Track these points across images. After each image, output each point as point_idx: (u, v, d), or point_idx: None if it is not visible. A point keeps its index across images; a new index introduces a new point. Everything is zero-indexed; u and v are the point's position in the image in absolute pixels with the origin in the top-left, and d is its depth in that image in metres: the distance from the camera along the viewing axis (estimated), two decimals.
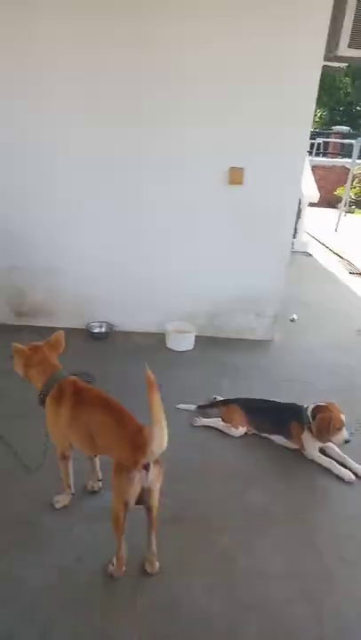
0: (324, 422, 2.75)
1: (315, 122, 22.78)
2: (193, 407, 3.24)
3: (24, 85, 3.67)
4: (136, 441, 1.82)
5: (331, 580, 2.09)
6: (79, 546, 2.17)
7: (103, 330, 4.28)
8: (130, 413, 2.01)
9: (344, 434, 2.74)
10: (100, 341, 4.21)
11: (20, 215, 4.05)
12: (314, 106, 3.82)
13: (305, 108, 3.77)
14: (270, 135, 3.83)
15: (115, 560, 2.02)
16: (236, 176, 3.94)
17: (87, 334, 4.25)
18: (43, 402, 2.23)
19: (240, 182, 3.96)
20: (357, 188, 13.87)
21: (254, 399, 3.26)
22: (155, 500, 1.93)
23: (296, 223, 8.10)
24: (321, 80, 3.73)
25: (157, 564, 2.06)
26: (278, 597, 2.00)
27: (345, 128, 19.09)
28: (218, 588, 2.02)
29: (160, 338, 4.23)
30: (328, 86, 19.68)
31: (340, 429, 2.74)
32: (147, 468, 1.82)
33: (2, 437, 2.84)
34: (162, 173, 3.94)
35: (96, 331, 4.26)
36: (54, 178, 3.94)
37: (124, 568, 2.03)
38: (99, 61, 3.60)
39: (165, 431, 1.74)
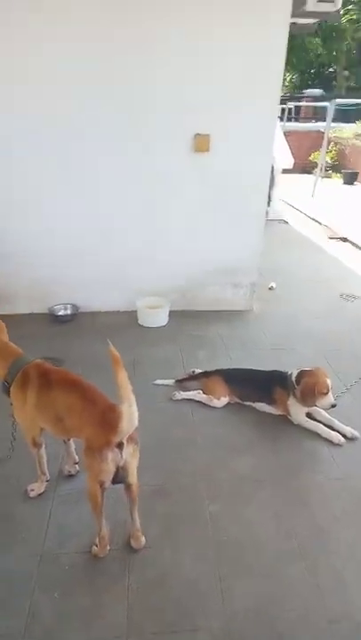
0: (308, 387, 2.82)
1: (285, 86, 22.86)
2: (171, 382, 3.28)
3: None
4: (107, 420, 1.84)
5: (325, 537, 2.18)
6: (59, 531, 2.20)
7: (68, 312, 4.26)
8: (99, 392, 2.04)
9: (330, 398, 2.82)
10: (66, 324, 4.19)
11: None
12: (283, 65, 3.80)
13: (273, 68, 3.76)
14: (237, 98, 3.82)
15: (97, 540, 2.05)
16: (201, 143, 3.95)
17: (51, 318, 4.22)
18: (8, 391, 2.23)
19: (206, 149, 3.98)
20: (333, 152, 14.05)
21: (235, 369, 3.32)
22: (133, 477, 1.97)
23: (270, 191, 8.22)
24: (289, 42, 3.74)
25: (143, 538, 2.11)
26: (272, 558, 2.08)
27: (317, 91, 19.25)
28: (208, 556, 2.08)
29: (131, 315, 4.25)
30: (297, 48, 19.78)
31: (325, 394, 2.81)
32: (120, 446, 1.85)
33: None
34: (122, 143, 3.89)
35: (60, 313, 4.24)
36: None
37: (108, 547, 2.07)
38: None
39: (135, 408, 1.78)
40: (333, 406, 2.83)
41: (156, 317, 4.17)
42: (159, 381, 3.29)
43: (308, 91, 19.81)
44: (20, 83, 3.65)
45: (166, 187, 4.07)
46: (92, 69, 3.66)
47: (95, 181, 4.02)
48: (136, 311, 4.22)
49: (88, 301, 4.36)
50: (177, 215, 4.17)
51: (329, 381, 2.84)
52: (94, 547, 2.07)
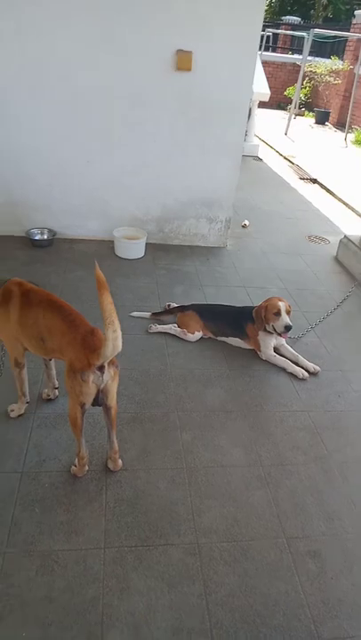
0: (260, 310, 2.87)
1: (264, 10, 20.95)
2: (147, 314, 3.20)
3: None
4: (88, 343, 1.78)
5: (286, 466, 2.26)
6: (39, 451, 2.17)
7: (45, 237, 4.01)
8: (81, 315, 1.95)
9: (284, 319, 2.79)
10: (43, 249, 3.95)
11: None
12: None
13: None
14: (220, 16, 3.45)
15: (76, 460, 2.05)
16: (184, 60, 3.57)
17: (27, 242, 3.97)
18: None
19: (189, 68, 3.60)
20: (307, 89, 13.29)
21: (210, 304, 3.28)
22: (112, 400, 1.93)
23: (246, 124, 7.75)
24: None
25: (120, 461, 2.12)
26: (238, 484, 2.14)
27: (295, 18, 17.69)
28: (180, 480, 2.12)
29: (108, 245, 4.04)
30: None
31: (277, 315, 2.80)
32: (101, 369, 1.79)
33: None
34: (98, 57, 3.49)
35: (37, 238, 3.98)
36: None
37: (86, 467, 2.07)
38: None
39: (119, 333, 1.68)
40: (288, 328, 2.79)
41: (133, 249, 3.98)
42: (136, 313, 3.20)
43: (287, 17, 18.15)
44: None
45: (144, 108, 3.73)
46: None
47: (74, 102, 3.63)
48: (113, 241, 4.01)
49: (66, 228, 4.11)
50: (154, 140, 3.87)
51: (282, 304, 2.82)
52: (73, 467, 2.07)
